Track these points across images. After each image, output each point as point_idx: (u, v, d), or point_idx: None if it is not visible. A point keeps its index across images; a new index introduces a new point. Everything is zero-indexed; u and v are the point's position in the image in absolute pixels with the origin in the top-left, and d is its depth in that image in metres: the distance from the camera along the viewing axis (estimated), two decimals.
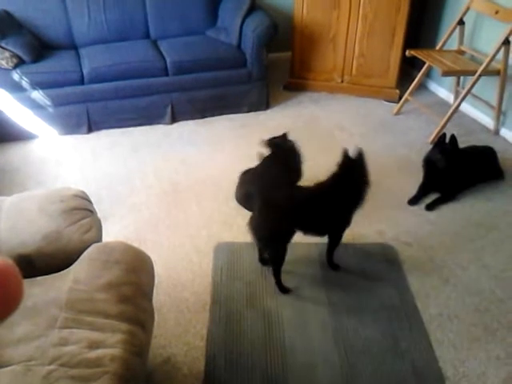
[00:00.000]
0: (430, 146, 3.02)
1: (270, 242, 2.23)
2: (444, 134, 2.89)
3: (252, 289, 2.32)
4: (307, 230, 2.28)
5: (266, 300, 2.26)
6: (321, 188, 2.24)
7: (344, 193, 2.21)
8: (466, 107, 3.90)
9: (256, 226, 2.21)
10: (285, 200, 2.20)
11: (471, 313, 2.22)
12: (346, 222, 2.31)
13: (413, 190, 3.00)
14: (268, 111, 4.03)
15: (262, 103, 4.03)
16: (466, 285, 2.37)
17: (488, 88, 3.57)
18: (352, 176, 2.21)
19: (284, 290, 2.30)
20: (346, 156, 2.20)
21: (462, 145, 2.95)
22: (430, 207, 2.91)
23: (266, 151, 2.81)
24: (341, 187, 2.21)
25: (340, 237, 2.37)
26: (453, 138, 2.85)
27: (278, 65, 4.53)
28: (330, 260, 2.44)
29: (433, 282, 2.38)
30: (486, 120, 3.76)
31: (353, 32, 4.02)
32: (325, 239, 2.39)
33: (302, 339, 2.07)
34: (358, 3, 3.88)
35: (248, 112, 3.95)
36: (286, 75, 4.38)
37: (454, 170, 2.92)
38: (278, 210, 2.16)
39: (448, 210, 2.90)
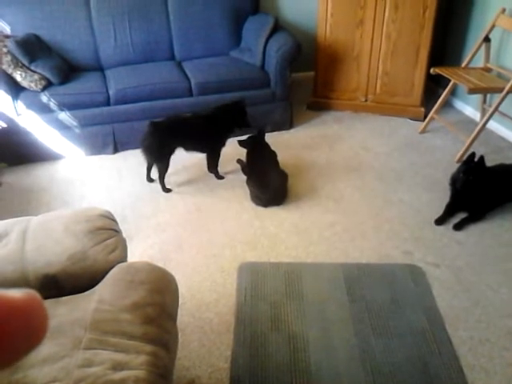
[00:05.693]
0: (457, 165, 2.97)
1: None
2: (473, 154, 2.83)
3: (277, 310, 2.29)
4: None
5: (291, 321, 2.22)
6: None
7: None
8: (493, 125, 3.83)
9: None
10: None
11: (503, 336, 2.15)
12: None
13: (440, 210, 2.95)
14: (292, 131, 4.03)
15: (286, 123, 4.03)
16: (497, 307, 2.30)
17: None
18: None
19: (166, 189, 3.24)
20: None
21: (489, 163, 2.89)
22: (458, 227, 2.85)
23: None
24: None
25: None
26: (481, 158, 2.79)
27: (302, 84, 4.54)
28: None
29: (462, 304, 2.32)
30: None
31: (376, 51, 4.01)
32: (350, 259, 2.34)
33: (328, 363, 2.02)
34: (381, 22, 3.88)
35: (272, 132, 3.93)
36: (309, 95, 4.39)
37: (481, 189, 2.86)
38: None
39: (476, 230, 2.84)
